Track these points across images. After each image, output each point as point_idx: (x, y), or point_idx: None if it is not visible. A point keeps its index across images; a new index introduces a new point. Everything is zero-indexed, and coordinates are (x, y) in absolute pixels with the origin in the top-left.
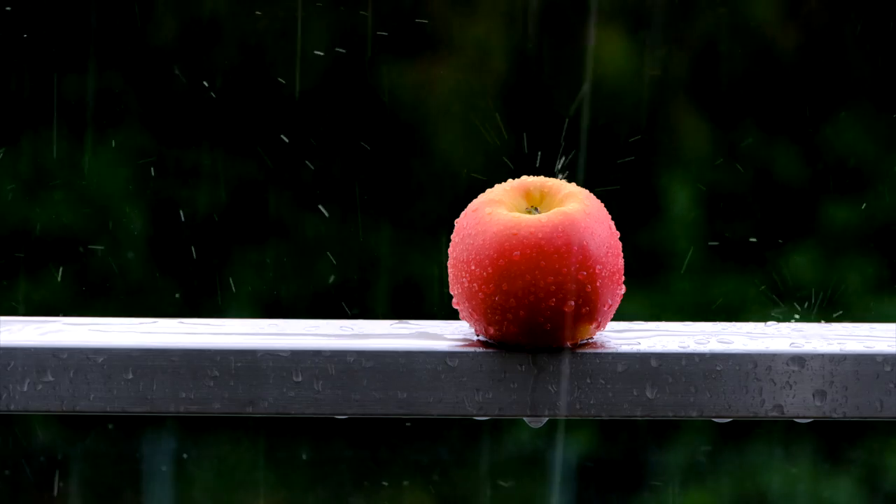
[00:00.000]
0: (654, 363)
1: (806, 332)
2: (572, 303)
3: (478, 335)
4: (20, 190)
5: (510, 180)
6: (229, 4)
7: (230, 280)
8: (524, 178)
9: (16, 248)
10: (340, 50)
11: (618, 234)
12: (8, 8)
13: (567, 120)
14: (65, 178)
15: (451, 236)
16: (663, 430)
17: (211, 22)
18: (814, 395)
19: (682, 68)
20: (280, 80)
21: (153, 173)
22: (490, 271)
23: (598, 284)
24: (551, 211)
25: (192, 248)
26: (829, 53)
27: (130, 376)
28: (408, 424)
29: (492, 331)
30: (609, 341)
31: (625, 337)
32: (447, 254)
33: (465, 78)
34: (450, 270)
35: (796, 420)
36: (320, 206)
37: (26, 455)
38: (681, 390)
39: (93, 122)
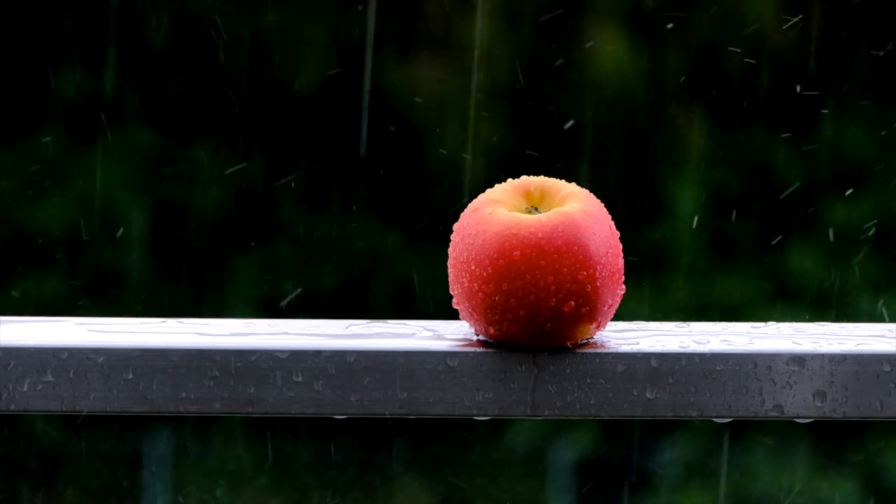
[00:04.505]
0: (654, 363)
1: (806, 332)
2: (572, 303)
3: (478, 335)
4: (20, 190)
5: (510, 180)
6: (230, 4)
7: (230, 280)
8: (524, 177)
9: (16, 248)
10: (341, 49)
11: (618, 234)
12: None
13: (567, 119)
14: (65, 177)
15: (451, 236)
16: (663, 430)
17: (212, 21)
18: (814, 396)
19: (682, 68)
20: (281, 79)
21: (154, 173)
22: (490, 271)
23: (598, 284)
24: (551, 211)
25: (193, 248)
26: (829, 52)
27: (130, 376)
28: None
29: (492, 331)
30: (609, 341)
31: (625, 337)
32: (447, 254)
33: (466, 78)
34: (450, 270)
35: (796, 420)
36: (321, 206)
37: (26, 454)
38: (681, 390)
39: (93, 121)
